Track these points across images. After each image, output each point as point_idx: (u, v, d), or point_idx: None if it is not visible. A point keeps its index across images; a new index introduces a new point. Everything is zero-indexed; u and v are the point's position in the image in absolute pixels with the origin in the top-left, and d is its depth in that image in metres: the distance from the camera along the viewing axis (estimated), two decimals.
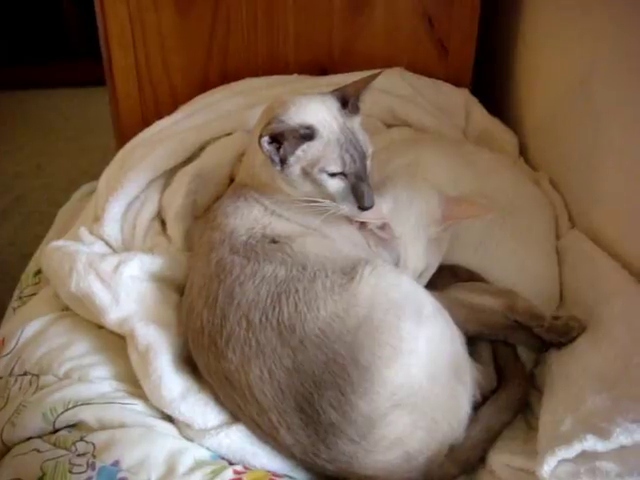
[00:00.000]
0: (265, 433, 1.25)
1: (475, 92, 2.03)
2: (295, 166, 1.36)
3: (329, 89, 1.49)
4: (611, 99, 1.52)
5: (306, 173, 1.36)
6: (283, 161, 1.35)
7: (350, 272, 1.28)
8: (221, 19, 1.89)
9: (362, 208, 1.36)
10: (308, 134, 1.34)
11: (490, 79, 2.16)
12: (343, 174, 1.36)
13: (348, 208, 1.37)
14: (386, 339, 1.21)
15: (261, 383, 1.22)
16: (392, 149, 1.67)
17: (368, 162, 1.40)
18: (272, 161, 1.36)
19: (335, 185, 1.36)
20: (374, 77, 1.43)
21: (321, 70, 1.92)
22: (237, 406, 1.27)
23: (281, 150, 1.35)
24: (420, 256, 1.45)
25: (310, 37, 1.91)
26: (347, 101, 1.39)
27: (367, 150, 1.40)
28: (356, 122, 1.41)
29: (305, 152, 1.35)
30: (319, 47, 1.94)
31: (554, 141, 1.81)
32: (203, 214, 1.67)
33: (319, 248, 1.34)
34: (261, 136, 1.33)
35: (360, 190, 1.36)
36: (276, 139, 1.34)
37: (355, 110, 1.41)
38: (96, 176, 1.80)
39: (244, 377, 1.24)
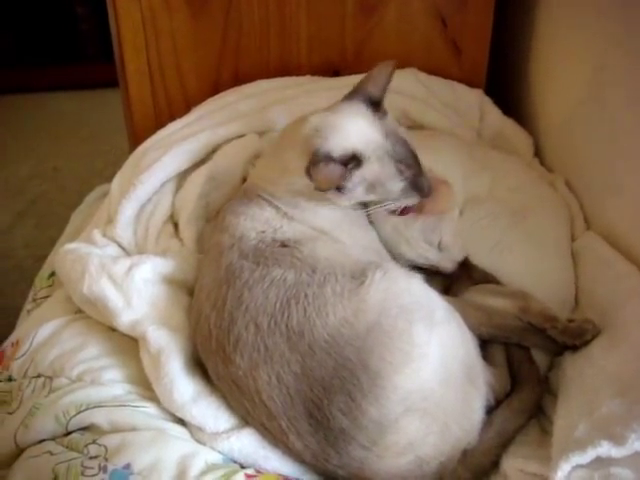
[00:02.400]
0: (275, 438, 1.25)
1: (489, 92, 2.02)
2: (356, 190, 1.38)
3: (342, 91, 1.49)
4: (626, 100, 1.51)
5: (369, 191, 1.39)
6: (340, 189, 1.36)
7: (360, 276, 1.27)
8: (233, 21, 1.89)
9: (424, 196, 1.42)
10: (357, 163, 1.35)
11: (504, 79, 2.14)
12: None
13: (411, 201, 1.43)
14: (397, 344, 1.20)
15: (269, 389, 1.22)
16: None
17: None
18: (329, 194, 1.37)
19: (396, 189, 1.39)
20: (389, 71, 1.43)
21: (334, 71, 1.91)
22: (246, 411, 1.27)
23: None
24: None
25: (322, 38, 1.90)
26: (376, 103, 1.40)
27: (413, 143, 1.42)
28: (391, 121, 1.42)
29: (362, 176, 1.37)
30: (332, 48, 1.93)
31: (569, 142, 1.79)
32: (215, 216, 1.67)
33: (329, 252, 1.34)
34: (311, 176, 1.32)
35: (419, 184, 1.41)
36: None
37: (385, 110, 1.42)
38: (111, 178, 1.80)
39: (252, 382, 1.23)
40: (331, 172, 1.33)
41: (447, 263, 1.50)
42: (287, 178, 1.41)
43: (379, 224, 1.51)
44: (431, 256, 1.50)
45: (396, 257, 1.50)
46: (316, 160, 1.32)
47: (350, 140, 1.36)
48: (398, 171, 1.38)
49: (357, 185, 1.37)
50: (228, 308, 1.29)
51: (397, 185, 1.39)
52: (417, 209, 1.46)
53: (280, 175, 1.42)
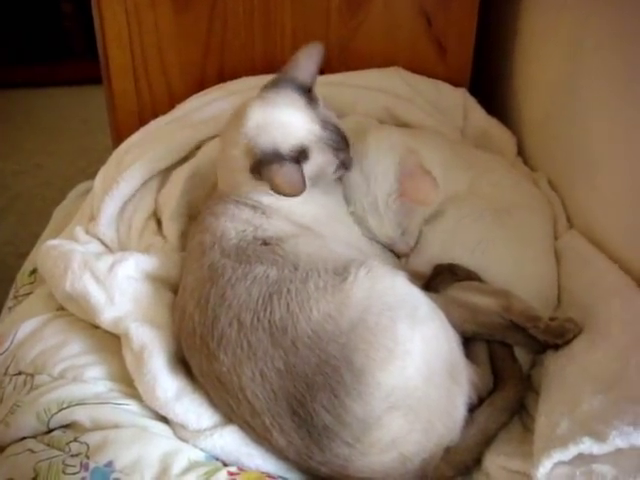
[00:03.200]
0: (258, 435, 1.24)
1: (473, 92, 2.02)
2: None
3: (326, 88, 1.49)
4: (609, 100, 1.51)
5: (312, 180, 1.42)
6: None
7: (343, 272, 1.27)
8: (218, 18, 1.88)
9: (349, 170, 1.51)
10: (305, 157, 1.39)
11: (488, 79, 2.15)
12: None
13: (339, 174, 1.50)
14: (381, 341, 1.20)
15: (253, 385, 1.22)
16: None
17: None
18: None
19: (331, 171, 1.47)
20: (317, 55, 1.42)
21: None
22: (230, 408, 1.26)
23: None
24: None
25: (307, 36, 1.90)
26: (308, 90, 1.42)
27: (343, 125, 1.49)
28: (322, 108, 1.45)
29: (308, 169, 1.40)
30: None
31: (552, 141, 1.80)
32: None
33: (311, 248, 1.34)
34: (261, 176, 1.35)
35: (347, 162, 1.49)
36: None
37: (316, 97, 1.44)
38: (94, 175, 1.79)
39: (236, 379, 1.23)
40: (290, 174, 1.34)
41: (402, 245, 1.56)
42: (237, 178, 1.42)
43: (354, 196, 1.55)
44: (394, 236, 1.55)
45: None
46: (267, 160, 1.33)
47: (295, 134, 1.38)
48: (335, 157, 1.44)
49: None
50: (211, 305, 1.28)
51: (332, 168, 1.46)
52: (400, 192, 1.50)
53: (231, 176, 1.44)
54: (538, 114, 1.91)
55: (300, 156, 1.38)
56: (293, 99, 1.41)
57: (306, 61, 1.43)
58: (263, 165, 1.33)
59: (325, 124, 1.43)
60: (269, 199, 1.41)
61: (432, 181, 1.50)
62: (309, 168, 1.40)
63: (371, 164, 1.54)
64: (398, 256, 1.59)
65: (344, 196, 1.57)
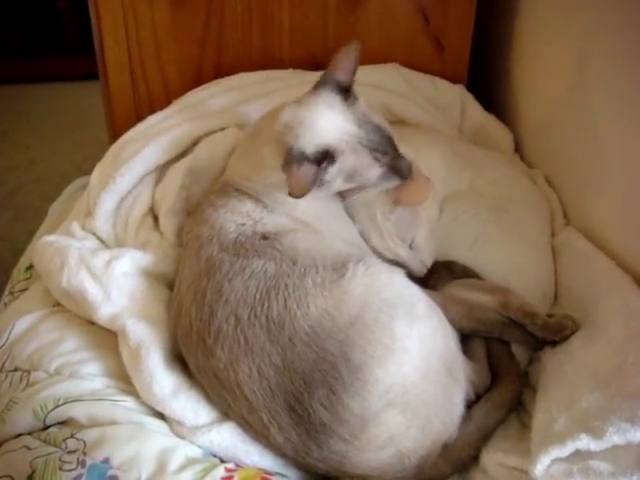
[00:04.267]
0: (256, 432, 1.25)
1: (471, 88, 2.02)
2: (334, 182, 1.37)
3: None
4: (607, 96, 1.51)
5: (347, 181, 1.38)
6: (319, 184, 1.34)
7: (341, 268, 1.26)
8: (215, 13, 1.87)
9: (404, 179, 1.41)
10: (331, 160, 1.33)
11: (486, 75, 2.15)
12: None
13: (392, 184, 1.42)
14: (378, 338, 1.20)
15: (250, 381, 1.21)
16: None
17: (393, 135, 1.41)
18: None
19: (375, 176, 1.39)
20: (354, 54, 1.38)
21: (316, 65, 1.89)
22: (227, 404, 1.26)
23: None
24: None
25: (305, 32, 1.90)
26: (346, 89, 1.38)
27: (387, 127, 1.40)
28: (363, 107, 1.39)
29: (338, 169, 1.35)
30: (314, 42, 1.93)
31: (550, 138, 1.80)
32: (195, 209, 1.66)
33: (310, 244, 1.34)
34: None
35: (398, 167, 1.39)
36: None
37: (355, 96, 1.39)
38: (90, 171, 1.78)
39: (233, 375, 1.23)
40: (304, 175, 1.30)
41: (416, 263, 1.49)
42: (263, 173, 1.40)
43: (356, 213, 1.51)
44: (401, 252, 1.48)
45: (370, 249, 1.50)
46: (289, 160, 1.30)
47: (322, 135, 1.34)
48: (374, 159, 1.36)
49: (335, 177, 1.36)
50: (208, 300, 1.28)
51: (375, 172, 1.38)
52: (393, 198, 1.46)
53: (256, 171, 1.41)
54: (535, 111, 1.91)
55: (325, 157, 1.32)
56: (328, 99, 1.37)
57: (344, 60, 1.38)
58: (285, 163, 1.31)
59: (363, 124, 1.37)
60: (276, 192, 1.39)
61: (424, 180, 1.45)
62: (338, 169, 1.35)
63: None
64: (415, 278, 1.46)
65: (348, 214, 1.52)
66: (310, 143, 1.32)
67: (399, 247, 1.48)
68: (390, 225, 1.47)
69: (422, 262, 1.49)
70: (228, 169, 1.53)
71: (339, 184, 1.38)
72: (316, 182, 1.31)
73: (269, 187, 1.40)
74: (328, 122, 1.35)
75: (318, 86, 1.39)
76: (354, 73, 1.38)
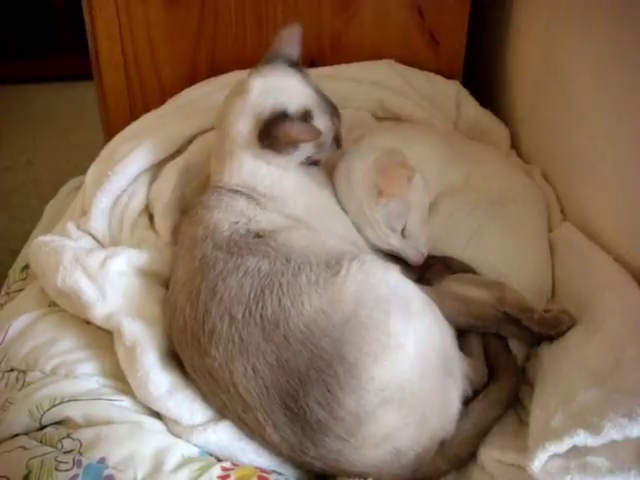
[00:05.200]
0: (252, 430, 1.24)
1: (466, 84, 2.02)
2: (306, 145, 1.43)
3: (319, 81, 1.49)
4: (602, 92, 1.51)
5: (314, 145, 1.45)
6: (295, 147, 1.42)
7: (335, 265, 1.26)
8: (209, 11, 1.87)
9: (340, 148, 1.54)
10: (310, 118, 1.43)
11: (481, 71, 2.15)
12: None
13: (330, 153, 1.52)
14: (374, 335, 1.19)
15: (245, 380, 1.21)
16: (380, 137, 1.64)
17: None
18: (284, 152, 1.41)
19: (328, 141, 1.49)
20: (297, 31, 1.50)
21: (310, 62, 1.89)
22: (223, 403, 1.26)
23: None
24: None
25: None
26: (296, 64, 1.49)
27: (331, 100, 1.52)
28: (312, 79, 1.51)
29: None
30: (308, 39, 1.87)
31: (546, 133, 1.80)
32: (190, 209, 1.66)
33: (304, 241, 1.33)
34: (284, 146, 1.39)
35: (340, 136, 1.53)
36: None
37: (305, 71, 1.51)
38: (86, 171, 1.78)
39: (228, 374, 1.22)
40: (303, 125, 1.40)
41: (411, 252, 1.48)
42: (238, 159, 1.43)
43: (346, 206, 1.51)
44: (394, 242, 1.48)
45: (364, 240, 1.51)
46: (277, 120, 1.37)
47: (298, 97, 1.44)
48: (331, 123, 1.47)
49: (305, 145, 1.43)
50: (202, 299, 1.27)
51: (329, 137, 1.48)
52: (377, 190, 1.47)
53: (231, 159, 1.44)
54: (533, 107, 1.90)
55: (305, 117, 1.42)
56: (287, 70, 1.47)
57: (289, 38, 1.49)
58: (273, 126, 1.37)
59: (318, 92, 1.48)
60: (265, 185, 1.42)
61: (403, 173, 1.45)
62: (312, 132, 1.41)
63: (354, 170, 1.52)
64: (412, 270, 1.48)
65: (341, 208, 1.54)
66: (291, 104, 1.41)
67: (390, 237, 1.47)
68: (379, 216, 1.47)
69: (417, 250, 1.48)
70: (212, 173, 1.52)
71: (308, 149, 1.45)
72: (315, 133, 1.39)
73: (250, 176, 1.43)
74: (296, 88, 1.45)
75: (270, 60, 1.48)
76: (299, 49, 1.50)
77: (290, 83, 1.45)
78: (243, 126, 1.41)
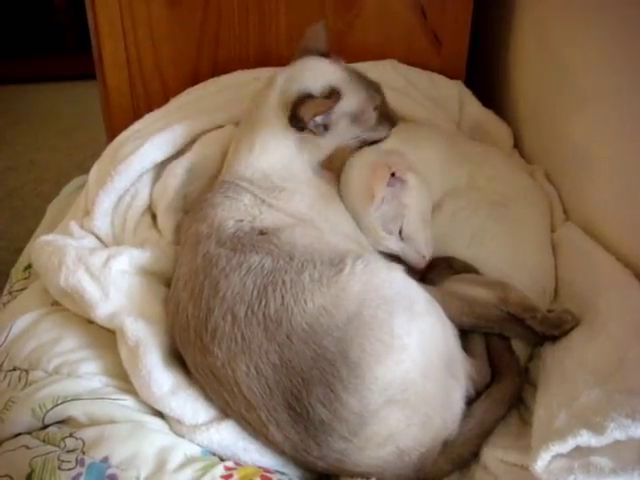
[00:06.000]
0: (255, 430, 1.24)
1: (469, 84, 2.02)
2: (340, 124, 1.49)
3: None
4: (605, 92, 1.51)
5: (352, 122, 1.51)
6: (326, 127, 1.47)
7: (338, 264, 1.26)
8: (212, 11, 1.87)
9: (394, 125, 1.59)
10: (337, 97, 1.45)
11: (484, 71, 2.15)
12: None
13: (385, 132, 1.58)
14: (377, 335, 1.19)
15: (248, 379, 1.21)
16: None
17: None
18: (317, 131, 1.46)
19: (372, 118, 1.54)
20: (323, 26, 1.58)
21: None
22: (225, 402, 1.25)
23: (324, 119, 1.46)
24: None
25: (302, 29, 1.86)
26: (326, 54, 1.56)
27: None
28: (344, 63, 1.56)
29: (343, 108, 1.48)
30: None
31: (548, 134, 1.79)
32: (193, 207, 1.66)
33: (307, 239, 1.33)
34: (308, 121, 1.43)
35: (389, 114, 1.58)
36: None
37: (337, 58, 1.56)
38: (88, 170, 1.78)
39: (231, 373, 1.22)
40: (319, 102, 1.44)
41: (411, 254, 1.48)
42: (262, 149, 1.46)
43: (347, 207, 1.52)
44: (392, 245, 1.48)
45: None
46: (300, 101, 1.43)
47: (324, 77, 1.48)
48: (370, 97, 1.52)
49: (341, 119, 1.48)
50: (205, 297, 1.27)
51: (372, 114, 1.52)
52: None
53: (252, 149, 1.47)
54: (536, 107, 1.90)
55: (331, 95, 1.45)
56: (315, 58, 1.53)
57: (315, 34, 1.56)
58: (298, 106, 1.43)
59: (350, 71, 1.53)
60: (280, 175, 1.45)
61: (383, 174, 1.45)
62: (346, 105, 1.48)
63: (351, 172, 1.52)
64: (415, 271, 1.48)
65: None
66: (315, 84, 1.47)
67: (387, 240, 1.48)
68: (374, 219, 1.47)
69: (418, 252, 1.48)
70: (225, 165, 1.53)
71: (344, 127, 1.50)
72: (329, 107, 1.44)
73: (265, 170, 1.45)
74: (324, 69, 1.51)
75: (299, 57, 1.54)
76: (328, 41, 1.57)
77: (315, 66, 1.51)
78: (274, 118, 1.47)
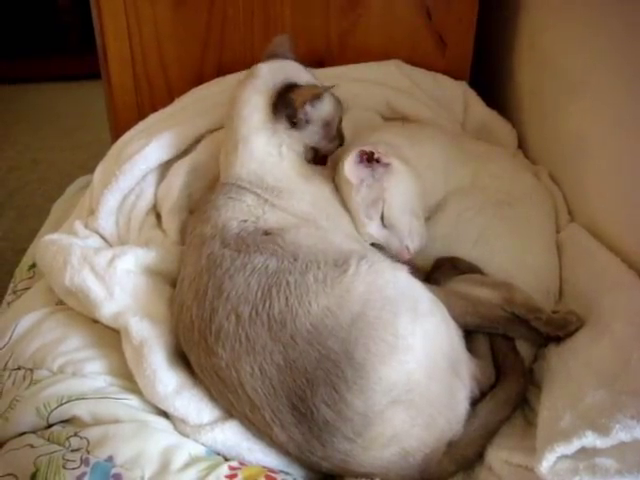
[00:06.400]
0: (259, 430, 1.24)
1: (473, 85, 2.02)
2: (313, 124, 1.48)
3: (327, 81, 1.50)
4: (610, 93, 1.51)
5: (323, 128, 1.50)
6: (296, 124, 1.46)
7: (343, 264, 1.26)
8: (217, 11, 1.87)
9: (342, 144, 1.57)
10: (317, 96, 1.46)
11: (489, 72, 2.15)
12: None
13: (333, 147, 1.55)
14: (381, 335, 1.19)
15: (252, 380, 1.21)
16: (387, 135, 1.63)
17: None
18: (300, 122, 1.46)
19: (333, 131, 1.54)
20: (286, 39, 1.59)
21: (318, 62, 1.89)
22: (230, 403, 1.26)
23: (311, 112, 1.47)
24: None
25: (307, 29, 1.90)
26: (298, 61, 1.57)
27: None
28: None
29: (319, 110, 1.48)
30: (316, 39, 1.92)
31: (553, 134, 1.79)
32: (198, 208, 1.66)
33: (312, 240, 1.33)
34: (300, 105, 1.43)
35: (341, 131, 1.57)
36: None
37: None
38: (92, 170, 1.79)
39: (235, 374, 1.22)
40: (310, 89, 1.45)
41: (394, 243, 1.45)
42: (247, 146, 1.45)
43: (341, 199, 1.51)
44: (373, 232, 1.45)
45: None
46: (287, 88, 1.43)
47: (305, 75, 1.51)
48: (339, 109, 1.53)
49: (316, 120, 1.48)
50: (209, 298, 1.27)
51: (335, 126, 1.52)
52: None
53: (236, 149, 1.46)
54: (538, 107, 1.90)
55: (315, 90, 1.46)
56: (290, 61, 1.54)
57: (281, 43, 1.58)
58: (286, 93, 1.43)
59: (322, 83, 1.53)
60: (274, 175, 1.44)
61: (354, 151, 1.43)
62: (320, 109, 1.48)
63: (343, 162, 1.51)
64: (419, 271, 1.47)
65: None
66: (300, 78, 1.48)
67: (369, 226, 1.45)
68: (355, 203, 1.46)
69: (400, 242, 1.45)
70: (221, 170, 1.53)
71: (316, 131, 1.49)
72: (316, 97, 1.45)
73: (257, 168, 1.44)
74: (302, 71, 1.52)
75: (270, 57, 1.54)
76: (292, 51, 1.57)
77: (296, 66, 1.52)
78: (255, 105, 1.45)
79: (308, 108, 1.45)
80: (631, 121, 1.42)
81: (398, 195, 1.46)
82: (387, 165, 1.45)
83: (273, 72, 1.48)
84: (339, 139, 1.55)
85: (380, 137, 1.58)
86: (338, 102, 1.53)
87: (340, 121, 1.55)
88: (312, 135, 1.48)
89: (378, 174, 1.45)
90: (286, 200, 1.41)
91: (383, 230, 1.46)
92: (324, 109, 1.48)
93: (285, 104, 1.43)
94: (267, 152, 1.45)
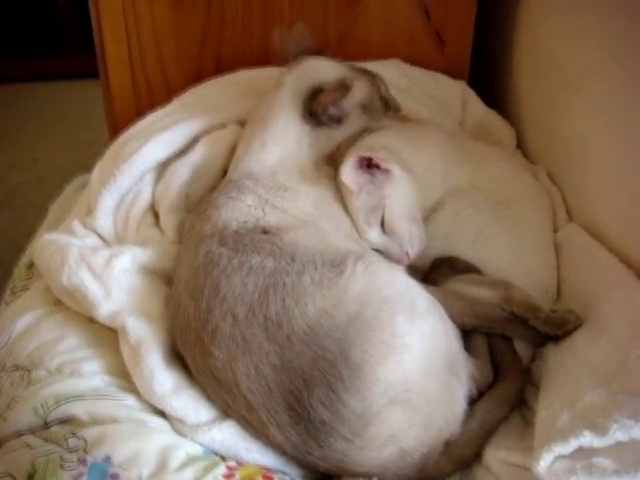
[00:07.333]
0: (256, 430, 1.24)
1: (472, 84, 2.02)
2: (352, 114, 1.56)
3: None
4: (610, 93, 1.51)
5: (363, 112, 1.58)
6: (339, 119, 1.54)
7: (339, 265, 1.26)
8: (215, 10, 1.87)
9: (399, 110, 1.67)
10: (346, 88, 1.52)
11: (487, 71, 2.14)
12: None
13: (391, 118, 1.65)
14: (378, 336, 1.19)
15: (248, 381, 1.20)
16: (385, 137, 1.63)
17: None
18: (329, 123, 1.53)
19: (379, 106, 1.62)
20: (303, 27, 1.67)
21: None
22: (226, 403, 1.25)
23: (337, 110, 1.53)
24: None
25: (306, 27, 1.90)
26: (319, 52, 1.64)
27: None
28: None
29: (353, 99, 1.55)
30: (314, 38, 1.92)
31: (552, 134, 1.79)
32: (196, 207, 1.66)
33: (310, 241, 1.33)
34: (316, 112, 1.50)
35: (391, 99, 1.65)
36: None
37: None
38: (91, 169, 1.78)
39: (231, 374, 1.22)
40: (330, 93, 1.51)
41: (394, 248, 1.45)
42: (274, 145, 1.49)
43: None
44: (373, 238, 1.45)
45: None
46: (313, 95, 1.50)
47: (330, 72, 1.55)
48: (373, 85, 1.59)
49: (353, 110, 1.55)
50: (205, 298, 1.27)
51: (378, 102, 1.59)
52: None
53: (264, 145, 1.49)
54: (537, 107, 1.90)
55: (341, 87, 1.52)
56: (314, 57, 1.60)
57: (299, 36, 1.66)
58: (312, 100, 1.50)
59: (348, 64, 1.61)
60: (286, 171, 1.47)
61: (353, 157, 1.44)
62: (354, 97, 1.54)
63: (343, 166, 1.51)
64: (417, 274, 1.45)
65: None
66: (326, 78, 1.53)
67: (368, 233, 1.45)
68: (355, 209, 1.46)
69: (401, 247, 1.45)
70: (232, 165, 1.53)
71: (356, 116, 1.56)
72: (342, 96, 1.52)
73: (273, 165, 1.46)
74: (327, 65, 1.58)
75: (296, 58, 1.61)
76: (312, 41, 1.66)
77: (319, 64, 1.58)
78: (285, 113, 1.52)
79: (332, 110, 1.51)
80: (631, 121, 1.42)
81: (398, 201, 1.47)
82: (387, 171, 1.45)
83: (298, 80, 1.55)
84: (393, 108, 1.64)
85: (379, 139, 1.57)
86: (371, 78, 1.60)
87: (382, 91, 1.62)
88: (353, 125, 1.56)
89: (378, 180, 1.45)
90: (289, 200, 1.41)
91: (383, 236, 1.46)
92: (356, 96, 1.55)
93: (311, 113, 1.51)
94: (296, 151, 1.50)
